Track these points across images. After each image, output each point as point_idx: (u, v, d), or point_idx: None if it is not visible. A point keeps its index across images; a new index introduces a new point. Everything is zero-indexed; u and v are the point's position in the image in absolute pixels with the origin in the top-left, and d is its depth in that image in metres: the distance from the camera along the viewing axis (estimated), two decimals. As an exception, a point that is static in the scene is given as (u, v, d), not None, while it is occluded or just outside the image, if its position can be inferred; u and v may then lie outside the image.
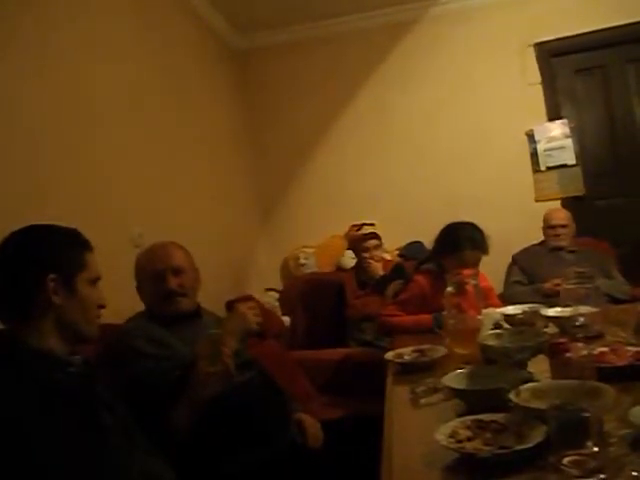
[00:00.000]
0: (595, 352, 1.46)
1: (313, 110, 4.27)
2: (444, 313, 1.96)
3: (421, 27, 4.10)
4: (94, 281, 1.28)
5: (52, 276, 1.18)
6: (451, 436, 1.11)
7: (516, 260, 3.41)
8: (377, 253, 3.57)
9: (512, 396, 1.18)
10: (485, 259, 2.41)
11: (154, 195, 2.79)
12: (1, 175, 1.89)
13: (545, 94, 3.96)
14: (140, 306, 1.94)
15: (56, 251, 1.23)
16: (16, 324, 1.17)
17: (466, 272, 1.94)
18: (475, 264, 2.29)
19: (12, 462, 0.94)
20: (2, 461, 0.94)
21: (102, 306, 1.30)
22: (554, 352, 1.40)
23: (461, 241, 2.35)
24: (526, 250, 3.44)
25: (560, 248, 3.31)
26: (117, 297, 1.97)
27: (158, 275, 1.85)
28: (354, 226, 3.90)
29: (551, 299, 2.69)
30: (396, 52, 4.14)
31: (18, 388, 1.04)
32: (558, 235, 3.33)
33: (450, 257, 2.36)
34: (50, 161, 2.12)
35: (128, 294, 1.91)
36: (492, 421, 1.14)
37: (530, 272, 3.30)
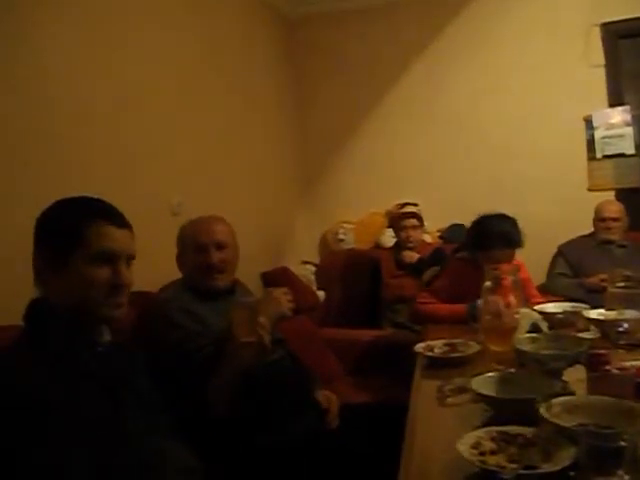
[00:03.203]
0: (636, 366, 1.39)
1: (363, 81, 4.15)
2: (478, 302, 1.91)
3: (479, 1, 3.90)
4: (97, 258, 1.12)
5: (42, 252, 1.14)
6: (474, 447, 1.07)
7: (562, 251, 3.29)
8: (415, 234, 3.50)
9: (542, 410, 1.13)
10: (529, 247, 2.31)
11: (195, 164, 2.79)
12: (44, 150, 1.92)
13: (608, 78, 3.72)
14: (178, 275, 1.94)
15: (50, 226, 1.16)
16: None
17: (505, 267, 1.86)
18: (507, 260, 2.19)
19: (27, 432, 0.95)
20: (18, 431, 0.95)
21: (118, 285, 1.14)
22: (593, 363, 1.34)
23: (491, 239, 2.25)
24: (573, 241, 3.31)
25: (610, 242, 3.19)
26: (156, 265, 2.00)
27: (201, 247, 1.85)
28: (397, 204, 3.83)
29: (595, 294, 2.60)
30: (452, 26, 3.95)
31: (44, 361, 1.04)
32: (609, 228, 3.20)
33: (481, 253, 2.28)
34: (91, 133, 2.13)
35: (167, 263, 1.92)
36: (518, 434, 1.10)
37: (576, 265, 3.18)
